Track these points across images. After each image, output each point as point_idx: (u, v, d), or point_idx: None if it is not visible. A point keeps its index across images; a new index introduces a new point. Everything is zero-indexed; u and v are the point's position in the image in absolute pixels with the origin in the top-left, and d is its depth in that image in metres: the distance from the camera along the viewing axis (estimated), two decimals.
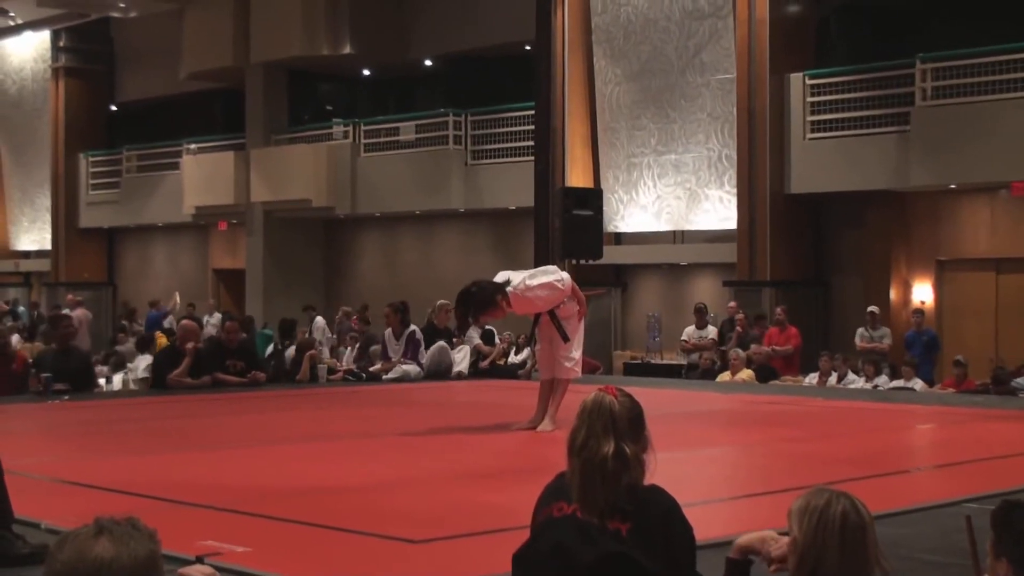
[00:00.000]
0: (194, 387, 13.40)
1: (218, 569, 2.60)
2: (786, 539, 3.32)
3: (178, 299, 25.48)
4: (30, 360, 13.54)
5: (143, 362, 16.26)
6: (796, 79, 19.60)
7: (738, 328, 18.13)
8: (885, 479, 7.68)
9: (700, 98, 20.66)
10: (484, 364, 16.47)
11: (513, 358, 17.75)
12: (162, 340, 21.86)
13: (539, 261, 17.99)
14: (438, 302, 16.93)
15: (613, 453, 3.56)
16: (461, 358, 15.93)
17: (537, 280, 9.70)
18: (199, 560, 2.81)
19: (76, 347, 14.25)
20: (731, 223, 20.05)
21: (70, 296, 27.75)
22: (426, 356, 15.39)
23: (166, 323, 23.71)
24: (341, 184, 26.14)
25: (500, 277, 9.84)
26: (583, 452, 3.60)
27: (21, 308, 29.89)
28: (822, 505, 3.23)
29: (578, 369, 10.02)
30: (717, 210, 20.46)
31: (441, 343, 15.62)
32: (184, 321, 15.64)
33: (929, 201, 19.43)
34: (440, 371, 15.39)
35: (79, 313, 25.57)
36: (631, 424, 3.66)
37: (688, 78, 20.78)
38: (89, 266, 32.92)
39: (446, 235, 26.66)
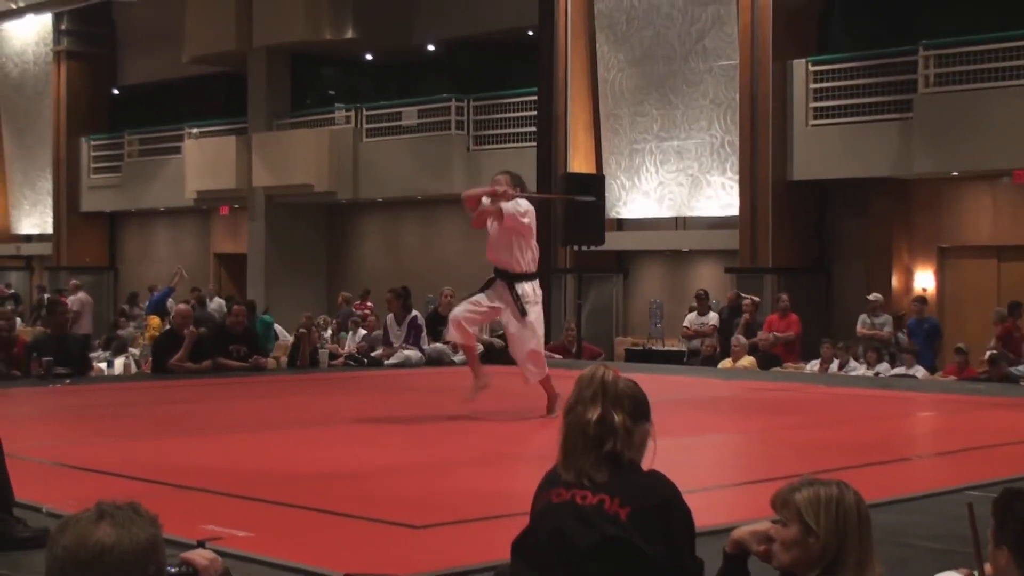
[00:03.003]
0: (195, 372, 13.40)
1: (220, 554, 2.60)
2: (784, 531, 3.28)
3: (184, 273, 25.10)
4: (29, 343, 13.53)
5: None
6: (799, 65, 19.55)
7: (746, 315, 17.99)
8: (887, 466, 7.69)
9: (703, 84, 20.62)
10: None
11: None
12: (155, 321, 21.80)
13: (540, 246, 17.92)
14: (443, 289, 16.92)
15: (598, 418, 3.65)
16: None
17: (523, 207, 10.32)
18: (200, 544, 2.81)
19: (72, 333, 14.23)
20: (733, 210, 20.02)
21: (73, 282, 27.70)
22: (428, 348, 15.41)
23: (170, 302, 23.52)
24: (343, 169, 26.10)
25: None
26: (570, 415, 3.73)
27: (12, 291, 29.52)
28: (836, 495, 3.22)
29: (543, 369, 10.01)
30: (719, 196, 20.43)
31: (440, 345, 15.60)
32: (179, 306, 15.61)
33: (931, 188, 19.41)
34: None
35: (81, 297, 25.52)
36: (632, 402, 3.71)
37: (691, 64, 20.74)
38: (90, 250, 32.87)
39: (448, 220, 26.61)
